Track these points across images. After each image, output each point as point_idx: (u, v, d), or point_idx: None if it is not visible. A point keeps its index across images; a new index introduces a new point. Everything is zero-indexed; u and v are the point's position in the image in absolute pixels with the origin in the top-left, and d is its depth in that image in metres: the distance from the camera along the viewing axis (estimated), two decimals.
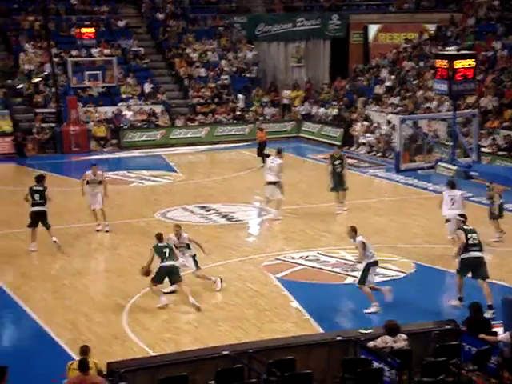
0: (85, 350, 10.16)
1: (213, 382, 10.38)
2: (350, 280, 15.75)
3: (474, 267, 14.13)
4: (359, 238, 14.22)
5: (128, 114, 32.73)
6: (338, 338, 11.45)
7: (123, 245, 18.54)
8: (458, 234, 14.58)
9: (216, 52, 36.97)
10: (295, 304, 14.52)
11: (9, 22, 35.22)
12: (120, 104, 33.24)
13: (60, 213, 21.19)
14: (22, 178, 26.18)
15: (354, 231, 14.36)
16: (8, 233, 19.54)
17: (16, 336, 13.77)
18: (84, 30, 34.18)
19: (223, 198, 23.10)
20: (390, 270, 16.27)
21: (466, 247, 14.10)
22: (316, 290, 15.48)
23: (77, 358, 10.42)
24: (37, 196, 17.97)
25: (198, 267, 15.38)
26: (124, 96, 33.93)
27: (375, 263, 14.24)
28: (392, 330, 11.12)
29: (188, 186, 24.83)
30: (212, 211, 21.44)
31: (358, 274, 14.38)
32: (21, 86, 33.02)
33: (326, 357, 11.20)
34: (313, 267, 16.63)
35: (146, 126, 32.70)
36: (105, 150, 31.32)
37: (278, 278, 15.95)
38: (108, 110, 32.83)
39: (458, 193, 17.22)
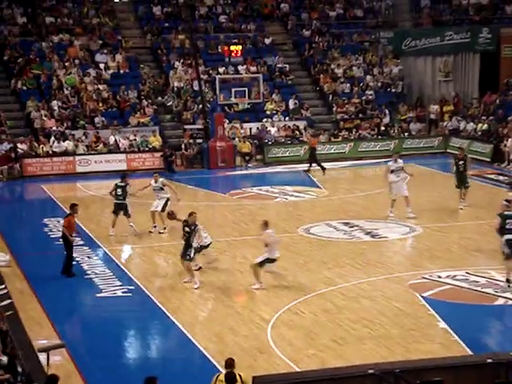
0: (231, 363, 10.26)
1: None
2: (500, 301, 15.18)
3: None
4: (268, 231, 16.24)
5: (272, 129, 33.08)
6: (489, 361, 11.02)
7: None
8: None
9: (361, 67, 36.81)
10: (442, 324, 14.13)
11: (160, 41, 36.44)
12: (264, 120, 33.65)
13: (206, 226, 21.64)
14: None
15: (265, 225, 16.38)
16: (157, 246, 20.08)
17: (165, 347, 14.09)
18: (232, 47, 34.88)
19: (367, 214, 22.86)
20: None
21: None
22: (465, 310, 15.02)
23: (223, 370, 10.53)
24: (119, 191, 20.79)
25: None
26: (268, 112, 34.33)
27: (274, 260, 16.17)
28: None
29: (331, 202, 24.76)
30: (355, 227, 21.26)
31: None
32: (170, 103, 34.07)
33: (476, 380, 10.79)
34: (461, 287, 16.14)
35: (289, 141, 32.94)
36: (249, 165, 31.75)
37: (424, 297, 15.59)
38: (253, 126, 33.30)
39: None
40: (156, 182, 21.67)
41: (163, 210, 20.78)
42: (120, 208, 20.88)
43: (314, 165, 29.66)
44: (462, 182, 23.06)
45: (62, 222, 19.08)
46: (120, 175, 22.09)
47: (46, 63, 34.19)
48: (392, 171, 22.22)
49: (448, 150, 32.85)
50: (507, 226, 15.80)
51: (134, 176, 24.31)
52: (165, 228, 21.10)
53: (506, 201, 16.88)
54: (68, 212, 18.45)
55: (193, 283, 16.55)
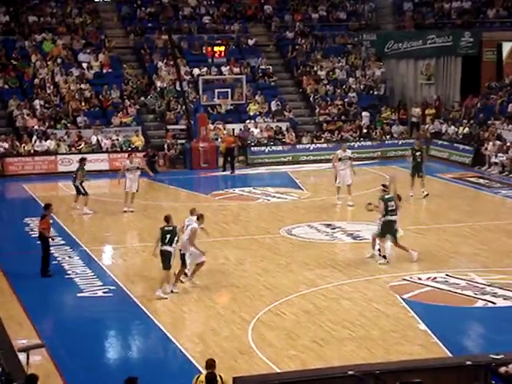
0: (211, 364, 10.26)
1: None
2: (480, 303, 15.29)
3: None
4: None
5: (255, 131, 33.12)
6: (468, 363, 11.10)
7: (249, 260, 18.71)
8: None
9: (344, 70, 36.92)
10: (423, 326, 14.21)
11: (143, 41, 36.38)
12: (247, 121, 33.68)
13: None
14: (152, 193, 26.91)
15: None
16: (140, 246, 20.07)
17: (145, 348, 14.08)
18: (215, 48, 34.90)
19: (348, 215, 22.94)
20: None
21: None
22: (445, 312, 15.11)
23: (203, 371, 10.55)
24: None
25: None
26: (251, 113, 34.37)
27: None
28: None
29: (313, 204, 24.81)
30: (337, 229, 21.33)
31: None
32: (154, 103, 34.02)
33: (456, 381, 10.87)
34: (441, 289, 16.24)
35: (272, 142, 32.99)
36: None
37: (404, 298, 15.67)
38: (236, 127, 33.32)
39: None
40: (132, 162, 23.43)
41: (137, 190, 23.36)
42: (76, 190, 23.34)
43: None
44: (417, 171, 24.99)
45: (37, 223, 18.78)
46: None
47: (29, 62, 34.05)
48: (340, 159, 24.08)
49: (430, 153, 33.01)
50: (389, 208, 17.79)
51: (116, 176, 24.24)
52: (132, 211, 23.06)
53: (383, 185, 18.72)
54: (43, 213, 18.02)
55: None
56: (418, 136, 30.84)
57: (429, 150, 33.17)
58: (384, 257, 17.98)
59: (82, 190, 23.37)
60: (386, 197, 18.03)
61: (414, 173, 25.06)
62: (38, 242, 17.98)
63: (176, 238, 15.97)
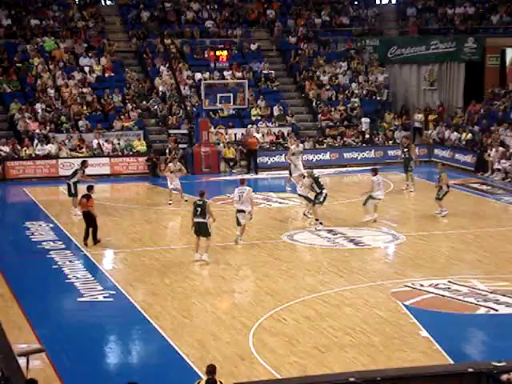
0: (211, 370, 10.19)
1: None
2: (482, 311, 15.21)
3: None
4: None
5: (257, 135, 33.06)
6: (470, 370, 11.03)
7: (250, 266, 18.64)
8: None
9: (347, 75, 36.88)
10: (424, 333, 14.12)
11: (145, 45, 36.37)
12: (249, 126, 33.63)
13: (190, 232, 21.60)
14: (154, 198, 26.86)
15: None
16: (141, 251, 20.02)
17: (146, 353, 14.00)
18: (218, 53, 34.88)
19: (350, 221, 22.87)
20: None
21: None
22: (447, 319, 15.02)
23: (204, 376, 10.47)
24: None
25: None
26: (253, 118, 34.32)
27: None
28: None
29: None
30: (339, 235, 21.26)
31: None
32: (155, 107, 33.99)
33: None
34: (443, 296, 16.16)
35: (274, 147, 32.93)
36: (234, 171, 31.71)
37: (406, 305, 15.59)
38: (238, 132, 33.28)
39: None
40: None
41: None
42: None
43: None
44: (405, 167, 26.93)
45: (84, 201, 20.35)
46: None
47: (31, 65, 34.03)
48: (293, 154, 27.07)
49: (432, 159, 32.97)
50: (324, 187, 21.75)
51: (117, 180, 24.21)
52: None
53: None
54: (87, 193, 20.35)
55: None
56: (407, 136, 31.45)
57: (431, 156, 33.19)
58: None
59: (73, 190, 23.48)
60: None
61: (404, 169, 27.18)
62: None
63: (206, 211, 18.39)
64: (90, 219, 20.21)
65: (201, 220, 18.39)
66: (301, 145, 28.44)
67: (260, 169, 31.57)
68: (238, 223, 20.10)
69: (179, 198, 25.20)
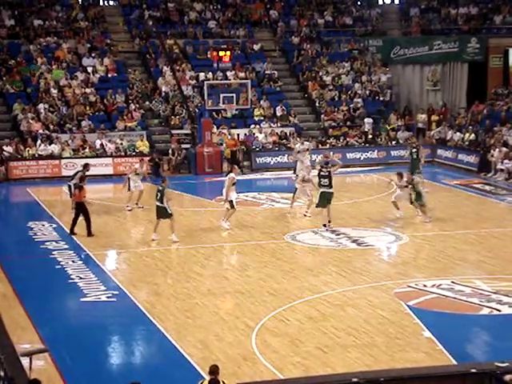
0: (214, 370, 10.18)
1: None
2: (485, 311, 15.19)
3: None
4: None
5: (260, 136, 33.06)
6: (473, 371, 11.01)
7: (253, 266, 18.64)
8: None
9: (350, 75, 36.87)
10: (427, 333, 14.11)
11: (148, 45, 36.38)
12: (252, 126, 33.63)
13: (192, 232, 21.62)
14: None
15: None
16: (144, 251, 20.04)
17: (148, 353, 14.00)
18: (220, 53, 34.91)
19: (353, 221, 22.86)
20: None
21: None
22: (450, 320, 15.00)
23: (207, 377, 10.47)
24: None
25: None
26: (256, 118, 34.32)
27: None
28: None
29: (318, 209, 24.65)
30: (342, 235, 21.24)
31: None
32: (158, 107, 34.00)
33: None
34: (446, 296, 16.14)
35: (277, 148, 32.94)
36: (245, 172, 31.59)
37: (409, 305, 15.57)
38: (241, 132, 33.28)
39: None
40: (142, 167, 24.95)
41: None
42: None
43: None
44: (414, 168, 25.65)
45: (76, 193, 21.45)
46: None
47: (34, 65, 34.08)
48: (298, 152, 27.72)
49: (435, 159, 32.95)
50: (321, 183, 21.77)
51: (120, 180, 24.22)
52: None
53: (326, 163, 22.96)
54: (79, 184, 21.44)
55: None
56: (410, 137, 31.48)
57: (435, 156, 33.16)
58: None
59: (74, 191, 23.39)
60: None
61: (412, 170, 25.32)
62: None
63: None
64: (81, 210, 20.93)
65: (159, 204, 20.18)
66: (306, 143, 28.86)
67: (262, 169, 31.60)
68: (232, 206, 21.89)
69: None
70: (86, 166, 24.01)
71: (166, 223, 20.58)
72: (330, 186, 21.85)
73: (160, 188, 20.39)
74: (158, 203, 20.28)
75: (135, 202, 24.51)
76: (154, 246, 20.31)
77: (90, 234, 20.94)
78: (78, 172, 23.95)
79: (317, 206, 22.27)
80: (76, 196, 21.34)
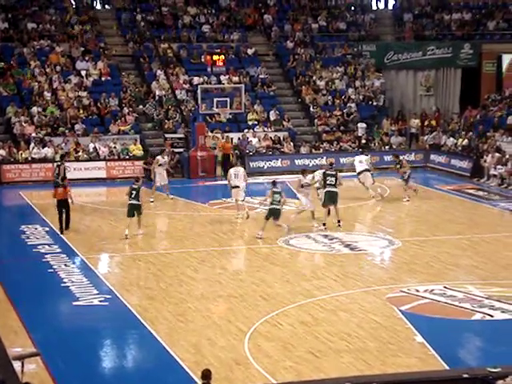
0: (207, 375, 10.16)
1: None
2: (477, 316, 15.22)
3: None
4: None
5: (254, 140, 33.08)
6: (465, 376, 11.01)
7: (246, 270, 18.63)
8: None
9: (343, 80, 36.93)
10: (420, 338, 14.12)
11: (142, 49, 36.38)
12: (246, 130, 33.65)
13: (185, 237, 21.61)
14: (150, 202, 26.81)
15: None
16: (136, 255, 20.01)
17: (141, 357, 13.98)
18: (214, 57, 34.91)
19: (346, 226, 22.87)
20: None
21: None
22: (442, 325, 15.02)
23: (199, 381, 10.45)
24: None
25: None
26: (250, 123, 34.34)
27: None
28: None
29: (308, 214, 24.64)
30: (335, 240, 21.25)
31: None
32: (152, 111, 33.99)
33: None
34: (439, 301, 16.16)
35: (270, 152, 32.95)
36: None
37: (401, 310, 15.58)
38: (234, 136, 33.29)
39: None
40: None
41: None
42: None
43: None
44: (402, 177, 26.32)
45: (60, 191, 21.76)
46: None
47: (27, 69, 34.04)
48: (302, 186, 22.34)
49: (428, 164, 33.00)
50: (327, 182, 21.85)
51: (113, 184, 24.24)
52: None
53: (330, 164, 24.08)
54: (64, 183, 22.03)
55: None
56: (397, 155, 29.31)
57: (428, 161, 33.22)
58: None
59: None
60: None
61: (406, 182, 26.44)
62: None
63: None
64: (64, 207, 21.49)
65: (135, 202, 20.96)
66: (309, 176, 22.87)
67: (255, 173, 31.59)
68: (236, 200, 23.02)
69: (165, 197, 25.75)
70: (63, 157, 24.10)
71: (134, 220, 21.30)
72: (335, 185, 21.89)
73: (135, 187, 21.06)
74: (134, 201, 20.96)
75: (167, 192, 26.13)
76: (145, 249, 20.29)
77: (67, 227, 21.62)
78: (58, 166, 23.69)
79: (323, 205, 22.28)
80: (60, 194, 21.64)
